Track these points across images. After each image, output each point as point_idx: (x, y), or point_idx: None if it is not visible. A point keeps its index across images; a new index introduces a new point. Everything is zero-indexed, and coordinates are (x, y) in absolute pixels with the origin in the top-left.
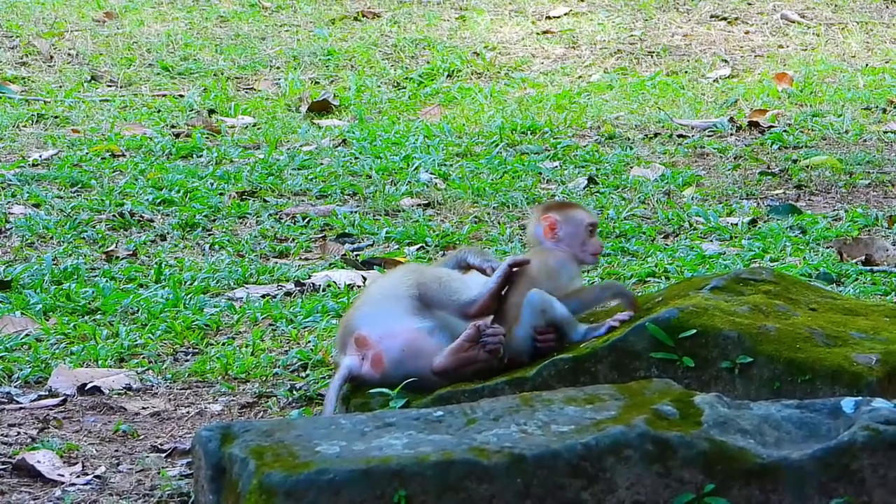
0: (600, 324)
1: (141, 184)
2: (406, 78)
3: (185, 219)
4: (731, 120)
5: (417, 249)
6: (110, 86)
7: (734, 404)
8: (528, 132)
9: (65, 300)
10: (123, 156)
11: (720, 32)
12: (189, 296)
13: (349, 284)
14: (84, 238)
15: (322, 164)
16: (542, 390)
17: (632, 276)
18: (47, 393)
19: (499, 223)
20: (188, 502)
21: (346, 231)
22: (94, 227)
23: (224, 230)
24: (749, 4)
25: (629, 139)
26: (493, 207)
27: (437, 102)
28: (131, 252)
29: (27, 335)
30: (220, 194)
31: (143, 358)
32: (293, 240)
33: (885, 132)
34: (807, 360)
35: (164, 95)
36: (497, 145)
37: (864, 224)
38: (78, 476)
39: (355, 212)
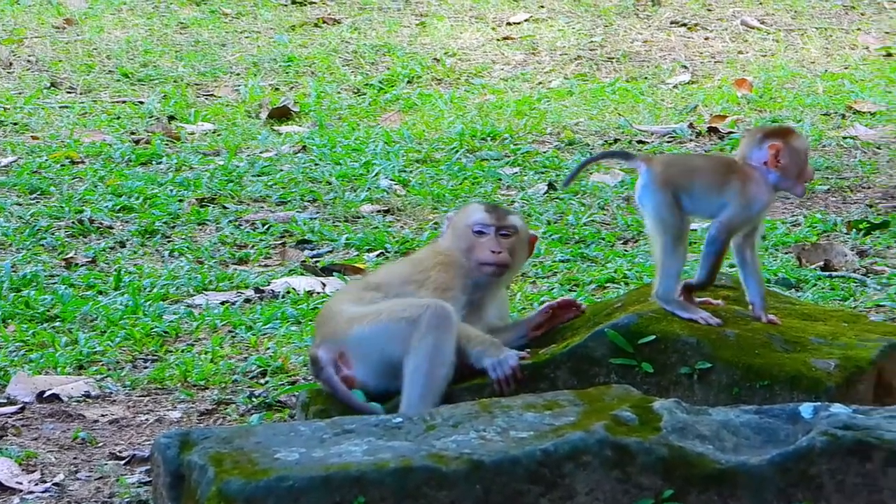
0: None
1: (100, 190)
2: (366, 84)
3: (145, 225)
4: (691, 126)
5: (377, 256)
6: (70, 92)
7: (693, 410)
8: (488, 138)
9: (24, 307)
10: (83, 162)
11: (680, 38)
12: (148, 303)
13: (309, 291)
14: (43, 245)
15: (282, 170)
16: (501, 396)
17: (591, 282)
18: (6, 400)
19: None
20: None
21: (306, 237)
22: (53, 234)
23: (183, 237)
24: (709, 10)
25: (589, 145)
26: None
27: (397, 108)
28: (90, 259)
29: None
30: (180, 201)
31: (102, 365)
32: (253, 246)
33: (844, 138)
34: (765, 366)
35: (124, 102)
36: (457, 151)
37: (823, 229)
38: (36, 484)
39: (315, 218)
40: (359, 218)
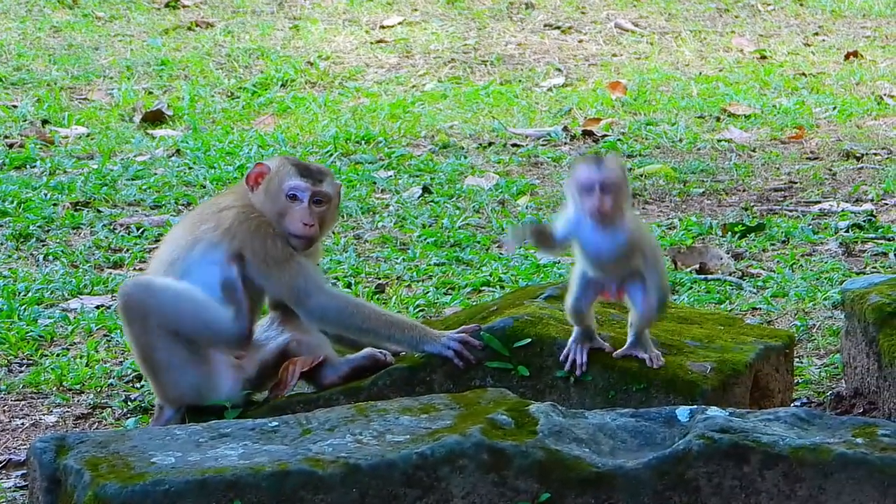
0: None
1: None
2: (240, 88)
3: (19, 229)
4: (566, 129)
5: None
6: None
7: (569, 413)
8: (363, 142)
9: None
10: None
11: (554, 41)
12: (23, 307)
13: None
14: None
15: (156, 174)
16: (377, 400)
17: (466, 286)
18: None
19: (333, 233)
20: None
21: None
22: None
23: (58, 241)
24: (583, 13)
25: (463, 148)
26: None
27: (270, 112)
28: None
29: None
30: (54, 205)
31: None
32: (127, 250)
33: (719, 140)
34: (642, 369)
35: None
36: (331, 155)
37: (699, 233)
38: None
39: None
40: None
